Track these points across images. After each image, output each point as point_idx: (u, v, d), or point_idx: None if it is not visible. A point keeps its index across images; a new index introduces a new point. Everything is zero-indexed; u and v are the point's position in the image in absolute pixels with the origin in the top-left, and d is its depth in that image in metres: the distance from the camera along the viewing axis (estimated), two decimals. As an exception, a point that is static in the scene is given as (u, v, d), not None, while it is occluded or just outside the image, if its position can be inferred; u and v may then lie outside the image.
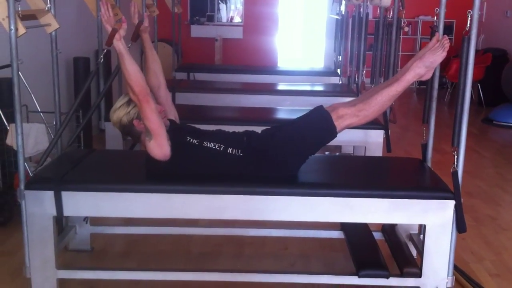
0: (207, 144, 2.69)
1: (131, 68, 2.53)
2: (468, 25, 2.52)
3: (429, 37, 2.97)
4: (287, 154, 2.69)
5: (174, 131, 2.73)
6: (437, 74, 2.89)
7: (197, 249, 3.38)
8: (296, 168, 2.75)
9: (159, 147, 2.60)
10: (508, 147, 6.42)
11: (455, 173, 2.62)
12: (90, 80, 3.49)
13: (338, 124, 2.66)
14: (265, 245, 3.43)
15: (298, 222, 3.08)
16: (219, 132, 2.84)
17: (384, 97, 2.68)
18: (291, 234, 3.40)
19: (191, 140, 2.69)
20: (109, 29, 2.62)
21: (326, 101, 4.95)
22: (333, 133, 2.69)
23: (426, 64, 2.68)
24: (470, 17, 2.50)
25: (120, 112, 2.72)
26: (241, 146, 2.69)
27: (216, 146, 2.68)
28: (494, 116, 7.45)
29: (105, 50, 3.67)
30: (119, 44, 2.58)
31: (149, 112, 2.54)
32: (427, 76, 2.72)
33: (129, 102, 2.71)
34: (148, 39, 3.08)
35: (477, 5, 2.48)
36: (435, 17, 2.89)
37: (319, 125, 2.70)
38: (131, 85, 2.52)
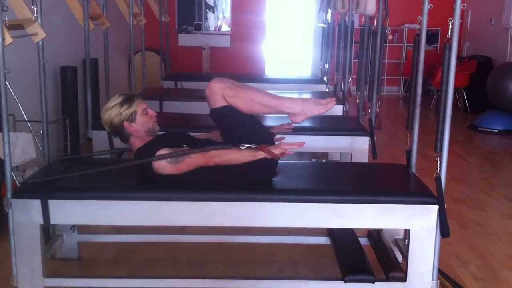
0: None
1: (239, 161, 2.67)
2: (450, 33, 2.57)
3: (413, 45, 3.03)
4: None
5: (171, 140, 2.78)
6: (420, 81, 2.94)
7: (186, 256, 3.39)
8: (268, 162, 2.77)
9: (165, 171, 2.65)
10: (493, 153, 6.49)
11: (438, 178, 2.66)
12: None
13: (223, 102, 2.73)
14: (254, 251, 3.45)
15: (286, 228, 3.11)
16: (208, 142, 2.87)
17: (255, 96, 2.78)
18: (279, 240, 3.42)
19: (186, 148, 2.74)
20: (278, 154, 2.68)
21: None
22: (233, 109, 2.74)
23: (304, 108, 2.80)
24: (451, 25, 2.55)
25: (112, 112, 2.74)
26: None
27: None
28: (479, 123, 7.53)
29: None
30: (261, 156, 2.66)
31: (197, 166, 2.66)
32: (297, 119, 2.83)
33: (123, 103, 2.74)
34: None
35: (458, 14, 2.53)
36: (418, 25, 2.94)
37: (226, 119, 2.78)
38: (221, 160, 2.65)
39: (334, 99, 2.85)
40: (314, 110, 2.82)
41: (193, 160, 2.64)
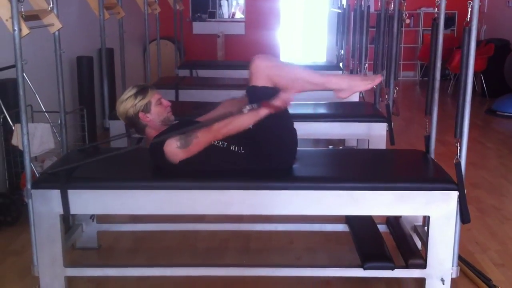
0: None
1: (246, 125, 2.63)
2: (469, 16, 2.53)
3: (431, 29, 2.99)
4: (274, 140, 2.73)
5: (182, 128, 2.76)
6: (439, 65, 2.90)
7: (203, 245, 3.40)
8: (291, 149, 2.78)
9: (179, 156, 2.64)
10: (511, 137, 6.42)
11: (458, 164, 2.63)
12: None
13: (264, 82, 2.68)
14: (271, 239, 3.45)
15: (304, 216, 3.10)
16: None
17: (302, 74, 2.75)
18: (296, 228, 3.42)
19: None
20: (279, 106, 2.63)
21: (330, 94, 4.98)
22: (274, 92, 2.68)
23: (351, 84, 2.75)
24: (471, 8, 2.51)
25: (127, 103, 2.75)
26: (242, 143, 2.72)
27: (220, 143, 2.71)
28: (497, 107, 7.44)
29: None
30: (265, 113, 2.62)
31: (207, 143, 2.64)
32: (343, 94, 2.77)
33: (137, 94, 2.75)
34: None
35: (478, -4, 2.49)
36: (436, 9, 2.90)
37: (262, 99, 2.69)
38: (228, 129, 2.61)
39: (380, 75, 2.80)
40: (361, 86, 2.78)
41: (201, 139, 2.62)
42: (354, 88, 2.76)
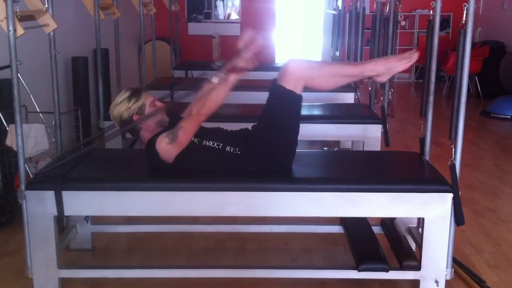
0: (206, 142, 2.73)
1: (222, 99, 2.58)
2: (464, 18, 2.54)
3: (426, 31, 2.99)
4: (275, 142, 2.72)
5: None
6: (434, 67, 2.91)
7: (199, 246, 3.40)
8: (289, 154, 2.78)
9: (171, 153, 2.64)
10: (506, 139, 6.43)
11: (452, 166, 2.64)
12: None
13: (293, 87, 2.67)
14: (267, 240, 3.45)
15: (299, 217, 3.10)
16: (218, 130, 2.88)
17: (337, 69, 2.75)
18: (292, 229, 3.42)
19: (193, 139, 2.72)
20: (243, 65, 2.59)
21: (325, 96, 4.99)
22: (296, 99, 2.71)
23: (388, 66, 2.72)
24: (466, 10, 2.52)
25: (121, 107, 2.74)
26: (238, 144, 2.72)
27: (215, 144, 2.72)
28: (492, 109, 7.46)
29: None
30: (236, 78, 2.58)
31: (193, 130, 2.62)
32: (382, 78, 2.76)
33: (130, 97, 2.74)
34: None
35: (472, -1, 2.50)
36: (432, 11, 2.91)
37: (281, 102, 2.72)
38: (205, 107, 2.57)
39: (416, 51, 2.74)
40: (399, 66, 2.73)
41: (186, 127, 2.61)
42: (392, 69, 2.72)
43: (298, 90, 2.69)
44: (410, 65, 2.74)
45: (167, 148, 2.63)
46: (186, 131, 2.61)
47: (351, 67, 2.77)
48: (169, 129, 2.71)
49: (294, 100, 2.71)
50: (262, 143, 2.73)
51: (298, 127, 2.80)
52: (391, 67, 2.71)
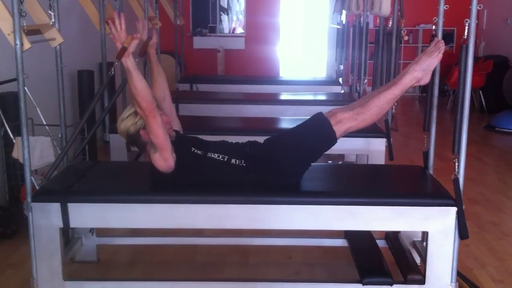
0: (211, 155, 2.73)
1: (138, 84, 2.53)
2: (466, 33, 2.56)
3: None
4: (289, 162, 2.73)
5: (180, 142, 2.78)
6: (437, 81, 2.92)
7: (202, 259, 3.40)
8: (298, 175, 2.79)
9: (164, 160, 2.64)
10: (510, 153, 6.43)
11: (456, 180, 2.64)
12: (97, 99, 3.44)
13: (337, 129, 2.70)
14: (270, 253, 3.45)
15: (302, 230, 3.11)
16: (223, 143, 2.88)
17: (382, 100, 2.72)
18: (295, 242, 3.42)
19: (196, 151, 2.73)
20: (119, 46, 2.58)
21: (328, 110, 5.00)
22: (333, 138, 2.73)
23: (423, 67, 2.72)
24: (468, 26, 2.54)
25: (127, 122, 2.75)
26: (244, 156, 2.73)
27: (220, 157, 2.72)
28: (496, 123, 7.47)
29: (116, 64, 3.60)
30: (127, 61, 2.56)
31: (155, 127, 2.57)
32: (425, 80, 2.76)
33: (137, 112, 2.76)
34: (155, 54, 3.14)
35: (474, 14, 2.52)
36: (434, 26, 2.93)
37: (318, 131, 2.74)
38: (138, 100, 2.54)
39: (437, 40, 2.75)
40: (433, 62, 2.73)
41: (148, 125, 2.57)
42: (429, 68, 2.73)
43: (338, 134, 2.71)
44: (441, 56, 2.73)
45: (156, 158, 2.64)
46: (151, 132, 2.59)
47: (393, 90, 2.73)
48: (177, 144, 2.73)
49: (331, 139, 2.73)
50: (274, 158, 2.73)
51: (315, 160, 2.82)
52: (426, 66, 2.72)
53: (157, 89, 3.04)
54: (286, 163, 2.73)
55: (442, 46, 2.73)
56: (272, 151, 2.75)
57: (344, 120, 2.70)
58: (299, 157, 2.75)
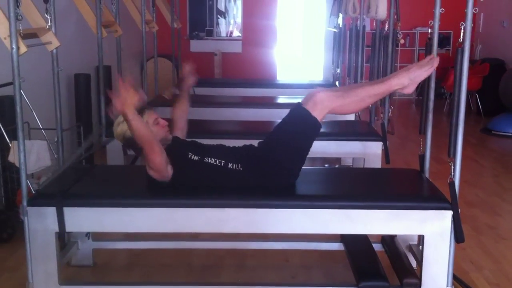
0: (208, 160, 2.74)
1: (137, 127, 2.53)
2: (462, 37, 2.56)
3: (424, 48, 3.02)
4: (283, 162, 2.74)
5: (176, 147, 2.79)
6: (433, 85, 2.93)
7: (199, 262, 3.40)
8: (295, 173, 2.80)
9: (159, 175, 2.67)
10: (506, 156, 6.45)
11: (452, 184, 2.65)
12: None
13: (317, 114, 2.70)
14: (267, 257, 3.45)
15: (299, 234, 3.11)
16: (220, 147, 2.89)
17: (364, 92, 2.74)
18: (292, 246, 3.42)
19: (193, 156, 2.74)
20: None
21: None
22: (316, 125, 2.73)
23: (411, 76, 2.72)
24: (463, 29, 2.55)
25: (124, 125, 2.75)
26: (241, 160, 2.74)
27: (217, 161, 2.73)
28: (492, 126, 7.48)
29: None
30: (129, 113, 2.50)
31: (154, 157, 2.60)
32: (409, 90, 2.76)
33: None
34: (188, 92, 3.27)
35: (470, 18, 2.53)
36: (430, 29, 2.94)
37: (301, 124, 2.74)
38: (138, 138, 2.57)
39: (432, 56, 2.77)
40: (422, 74, 2.74)
41: (147, 157, 2.59)
42: (416, 79, 2.73)
43: (320, 118, 2.71)
44: (432, 71, 2.75)
45: (153, 173, 2.67)
46: (149, 161, 2.62)
47: (377, 87, 2.75)
48: (171, 149, 2.73)
49: (315, 127, 2.73)
50: (269, 160, 2.74)
51: (308, 151, 2.82)
52: (414, 77, 2.72)
53: (180, 109, 3.20)
54: (280, 163, 2.74)
55: (435, 63, 2.74)
56: (266, 153, 2.76)
57: (323, 101, 2.69)
58: (291, 154, 2.75)
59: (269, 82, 8.29)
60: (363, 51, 5.62)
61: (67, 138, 4.86)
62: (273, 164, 2.73)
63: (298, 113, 2.75)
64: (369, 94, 2.74)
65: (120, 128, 2.77)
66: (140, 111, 2.78)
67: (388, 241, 3.23)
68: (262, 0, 10.23)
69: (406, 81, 2.72)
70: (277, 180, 2.76)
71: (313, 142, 2.81)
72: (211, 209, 2.68)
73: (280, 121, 2.86)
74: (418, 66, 2.76)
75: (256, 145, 2.85)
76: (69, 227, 2.66)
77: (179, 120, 3.17)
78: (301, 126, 2.75)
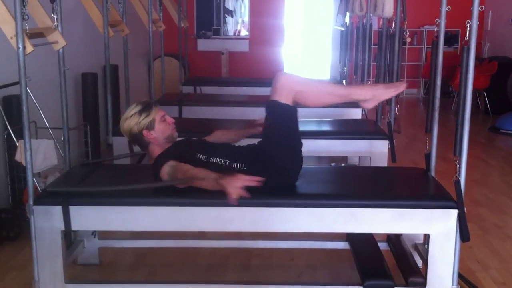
0: (213, 159, 2.76)
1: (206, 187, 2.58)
2: (468, 35, 2.55)
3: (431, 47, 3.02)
4: (280, 156, 2.74)
5: (185, 147, 2.82)
6: (439, 83, 2.92)
7: (204, 261, 3.41)
8: (296, 166, 2.80)
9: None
10: (515, 155, 6.42)
11: (457, 182, 2.64)
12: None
13: (285, 99, 2.69)
14: (272, 256, 3.45)
15: (305, 233, 3.11)
16: (225, 146, 2.91)
17: (324, 88, 2.81)
18: (297, 245, 3.42)
19: (200, 156, 2.75)
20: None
21: (332, 112, 5.01)
22: (290, 110, 2.73)
23: (375, 93, 2.76)
24: (469, 27, 2.54)
25: (131, 121, 2.77)
26: (245, 160, 2.75)
27: (222, 161, 2.75)
28: (500, 125, 7.44)
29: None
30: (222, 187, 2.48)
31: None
32: (368, 105, 2.80)
33: (141, 112, 2.78)
34: (245, 135, 3.26)
35: (476, 16, 2.52)
36: (436, 27, 2.93)
37: (280, 116, 2.74)
38: (197, 184, 2.58)
39: (404, 81, 2.84)
40: (386, 94, 2.80)
41: (179, 180, 2.62)
42: (378, 97, 2.78)
43: (290, 102, 2.71)
44: (396, 94, 2.83)
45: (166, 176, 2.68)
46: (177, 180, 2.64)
47: (341, 89, 2.83)
48: (178, 147, 2.74)
49: (290, 113, 2.74)
50: (268, 159, 2.75)
51: (299, 138, 2.82)
52: (377, 94, 2.77)
53: (230, 137, 3.22)
54: (280, 159, 2.74)
55: (401, 88, 2.81)
56: (265, 152, 2.76)
57: (284, 85, 2.69)
58: (285, 147, 2.75)
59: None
60: (370, 49, 5.61)
61: (74, 137, 4.89)
62: (273, 162, 2.74)
63: (272, 108, 2.75)
64: (327, 91, 2.79)
65: (127, 123, 2.79)
66: (148, 107, 2.80)
67: (394, 240, 3.23)
68: (269, -1, 10.23)
69: (369, 95, 2.76)
70: (280, 178, 2.76)
71: (297, 127, 2.81)
72: (216, 208, 2.68)
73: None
74: (385, 86, 2.86)
75: (256, 143, 2.86)
76: (75, 226, 2.68)
77: (220, 138, 3.17)
78: (280, 118, 2.75)
